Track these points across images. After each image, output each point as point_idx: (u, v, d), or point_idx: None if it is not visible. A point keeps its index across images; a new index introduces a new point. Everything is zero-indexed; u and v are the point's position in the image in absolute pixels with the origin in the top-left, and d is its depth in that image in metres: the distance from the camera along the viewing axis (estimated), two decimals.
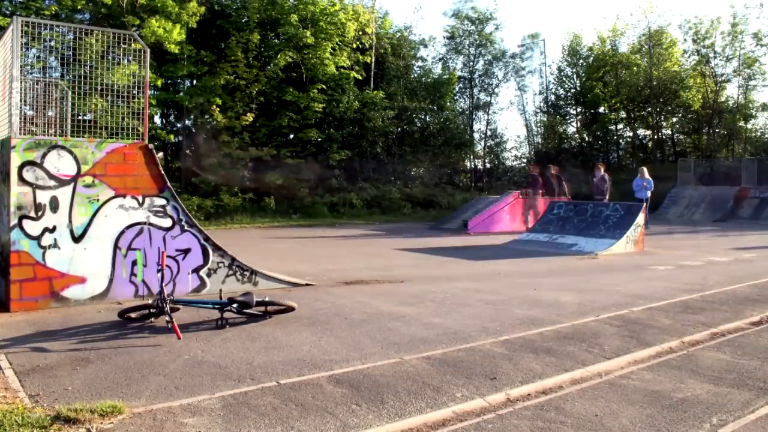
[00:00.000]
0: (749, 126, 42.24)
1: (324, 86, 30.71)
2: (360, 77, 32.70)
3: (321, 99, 30.31)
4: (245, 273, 9.63)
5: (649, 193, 21.59)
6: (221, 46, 30.37)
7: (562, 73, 45.56)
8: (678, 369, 5.92)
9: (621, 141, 45.52)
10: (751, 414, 4.80)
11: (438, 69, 42.27)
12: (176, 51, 25.86)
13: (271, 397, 4.93)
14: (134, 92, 9.88)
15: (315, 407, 4.74)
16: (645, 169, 22.32)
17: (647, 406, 4.92)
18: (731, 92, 42.67)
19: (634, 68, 42.32)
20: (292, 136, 31.53)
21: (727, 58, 41.58)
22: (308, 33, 29.65)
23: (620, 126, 45.02)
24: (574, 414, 4.74)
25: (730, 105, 41.67)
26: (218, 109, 27.94)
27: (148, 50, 9.19)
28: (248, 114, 28.80)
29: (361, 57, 33.19)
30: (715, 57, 41.74)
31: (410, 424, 4.52)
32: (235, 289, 9.36)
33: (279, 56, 29.37)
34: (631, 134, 44.96)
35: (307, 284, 10.30)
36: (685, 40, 42.64)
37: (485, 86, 44.24)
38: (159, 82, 26.55)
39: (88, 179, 8.39)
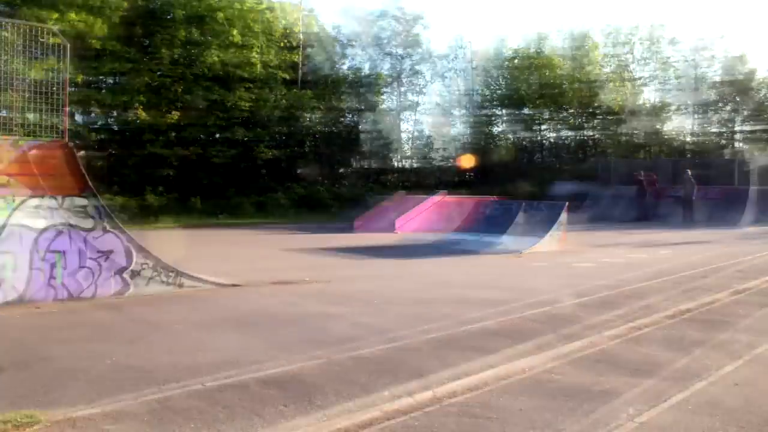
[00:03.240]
0: (664, 128, 43.97)
1: (251, 85, 30.36)
2: (288, 76, 32.45)
3: (248, 98, 29.95)
4: (170, 274, 9.43)
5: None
6: (146, 43, 29.66)
7: (488, 75, 46.28)
8: (598, 362, 6.11)
9: (545, 141, 46.58)
10: (664, 403, 5.01)
11: (366, 69, 42.37)
12: (98, 46, 25.11)
13: (197, 400, 4.84)
14: (53, 88, 9.55)
15: (242, 409, 4.68)
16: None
17: (569, 399, 5.05)
18: (648, 95, 44.43)
19: (558, 71, 43.44)
20: (218, 135, 31.07)
21: (645, 63, 43.35)
22: (235, 31, 29.24)
23: (544, 127, 46.07)
24: (499, 409, 4.82)
25: (647, 107, 43.30)
26: (142, 107, 27.27)
27: (68, 45, 8.91)
28: (173, 112, 28.22)
29: (288, 56, 32.95)
30: (633, 62, 43.40)
31: (338, 423, 4.51)
32: (160, 291, 9.18)
33: (205, 54, 28.86)
34: (555, 135, 46.06)
35: (234, 285, 10.15)
36: (605, 44, 44.12)
37: (413, 86, 44.58)
38: (80, 78, 25.71)
39: (3, 179, 8.07)
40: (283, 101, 31.55)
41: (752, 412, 4.88)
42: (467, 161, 38.53)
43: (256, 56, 30.33)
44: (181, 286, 9.49)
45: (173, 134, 28.44)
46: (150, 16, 29.24)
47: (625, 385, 5.42)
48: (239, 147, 30.46)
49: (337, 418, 4.58)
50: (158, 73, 28.33)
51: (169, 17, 29.22)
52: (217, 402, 4.81)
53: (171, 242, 17.18)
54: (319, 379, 5.40)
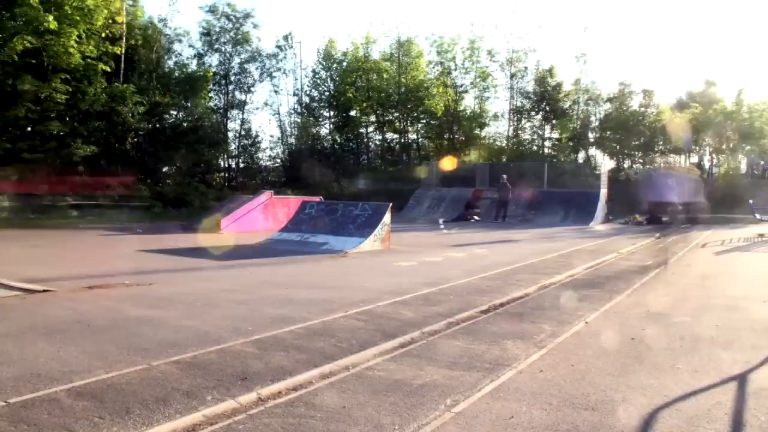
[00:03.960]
0: (483, 133, 46.65)
1: (68, 76, 28.55)
2: (109, 69, 30.83)
3: (64, 90, 28.16)
4: None
5: None
6: None
7: (317, 76, 46.72)
8: (418, 357, 6.35)
9: (371, 144, 47.73)
10: (479, 392, 5.33)
11: (193, 65, 41.36)
12: None
13: None
14: None
15: (51, 425, 4.40)
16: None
17: (391, 394, 5.23)
18: (469, 102, 46.99)
19: (385, 75, 44.71)
20: (30, 128, 28.99)
21: (466, 71, 45.80)
22: (51, 17, 27.24)
23: (371, 129, 47.22)
24: (323, 407, 4.90)
25: (468, 113, 45.72)
26: None
27: None
28: None
29: (110, 47, 31.29)
30: (455, 69, 45.71)
31: None
32: None
33: (15, 40, 26.66)
34: (380, 137, 47.33)
35: (45, 290, 9.52)
36: (430, 52, 46.08)
37: (241, 85, 44.08)
38: None
39: None
40: (103, 95, 29.99)
41: (553, 394, 5.32)
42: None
43: (75, 46, 28.49)
44: None
45: None
46: None
47: (443, 378, 5.69)
48: (53, 142, 28.52)
49: (157, 427, 4.44)
50: None
51: None
52: (21, 420, 4.47)
53: None
54: (138, 387, 5.19)
